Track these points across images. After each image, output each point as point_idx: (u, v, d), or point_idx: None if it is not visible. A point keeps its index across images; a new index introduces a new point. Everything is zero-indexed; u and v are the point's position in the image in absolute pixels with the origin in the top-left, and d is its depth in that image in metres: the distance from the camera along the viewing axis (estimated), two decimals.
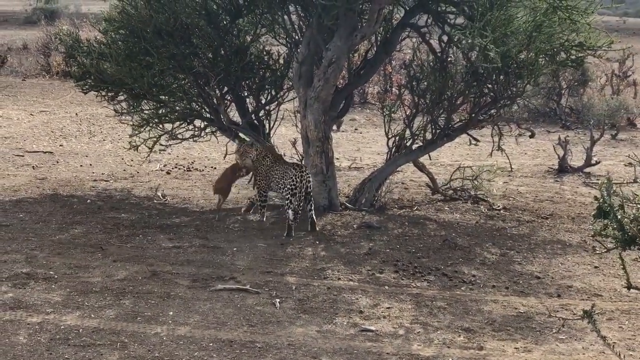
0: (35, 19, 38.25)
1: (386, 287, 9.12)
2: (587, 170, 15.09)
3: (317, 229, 10.97)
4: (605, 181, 5.26)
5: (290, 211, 10.79)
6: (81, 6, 42.08)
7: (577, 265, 10.06)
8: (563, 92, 21.00)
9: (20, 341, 7.50)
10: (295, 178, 10.85)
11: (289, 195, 10.83)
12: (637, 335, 8.08)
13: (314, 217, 11.00)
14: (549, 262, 10.17)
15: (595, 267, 9.97)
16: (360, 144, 17.44)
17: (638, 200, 5.28)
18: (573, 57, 11.95)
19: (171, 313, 8.21)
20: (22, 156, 14.99)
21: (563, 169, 15.12)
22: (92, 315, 8.09)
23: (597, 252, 6.00)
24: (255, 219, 11.45)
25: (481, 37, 10.51)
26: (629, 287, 5.58)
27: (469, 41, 10.75)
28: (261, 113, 12.66)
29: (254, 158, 11.32)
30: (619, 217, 5.04)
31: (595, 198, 5.41)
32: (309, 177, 11.02)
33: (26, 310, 8.15)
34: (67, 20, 31.30)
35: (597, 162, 15.27)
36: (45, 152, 15.44)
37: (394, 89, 21.17)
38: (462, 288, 9.21)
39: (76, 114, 19.21)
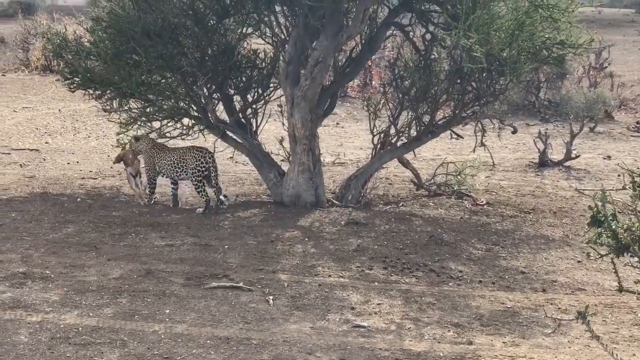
0: (12, 12, 38.09)
1: (376, 284, 9.33)
2: (567, 164, 15.34)
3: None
4: (600, 191, 5.50)
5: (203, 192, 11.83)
6: None
7: (561, 260, 10.32)
8: (542, 85, 21.21)
9: (22, 340, 7.64)
10: (201, 159, 11.81)
11: (198, 177, 11.78)
12: (621, 328, 8.33)
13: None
14: (533, 257, 10.43)
15: (578, 261, 10.23)
16: (342, 139, 17.61)
17: (629, 209, 5.52)
18: (554, 55, 12.16)
19: (167, 311, 8.39)
20: (9, 154, 15.07)
21: (543, 162, 15.37)
22: (91, 314, 8.26)
23: (592, 258, 6.23)
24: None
25: (466, 38, 10.70)
26: (621, 290, 5.84)
27: (454, 41, 10.95)
28: (248, 111, 12.82)
29: (143, 149, 12.15)
30: (613, 226, 5.28)
31: (590, 207, 5.64)
32: (213, 157, 12.00)
33: (25, 310, 8.31)
34: (44, 13, 31.22)
35: (577, 156, 15.52)
36: (32, 150, 15.52)
37: (373, 82, 21.37)
38: (450, 284, 9.44)
39: (59, 110, 19.26)
